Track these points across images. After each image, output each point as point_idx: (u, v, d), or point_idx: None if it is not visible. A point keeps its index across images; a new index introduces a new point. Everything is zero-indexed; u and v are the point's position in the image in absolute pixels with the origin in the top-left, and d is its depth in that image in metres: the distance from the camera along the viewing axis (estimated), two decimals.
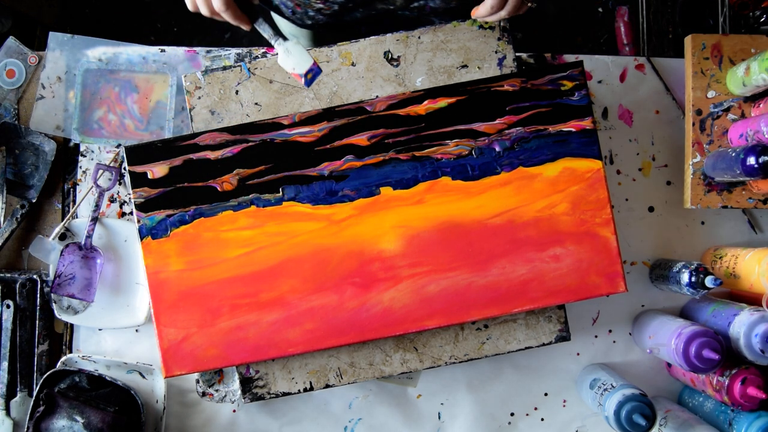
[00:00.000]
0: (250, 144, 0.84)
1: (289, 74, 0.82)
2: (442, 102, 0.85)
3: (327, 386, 0.87)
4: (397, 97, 0.85)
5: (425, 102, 0.85)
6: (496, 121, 0.85)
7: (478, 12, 0.81)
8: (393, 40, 0.89)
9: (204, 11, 0.75)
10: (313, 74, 0.82)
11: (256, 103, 0.88)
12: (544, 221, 0.84)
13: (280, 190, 0.84)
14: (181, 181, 0.84)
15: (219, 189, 0.84)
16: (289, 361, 0.87)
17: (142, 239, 0.83)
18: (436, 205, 0.84)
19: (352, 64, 0.89)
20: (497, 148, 0.84)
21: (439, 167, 0.85)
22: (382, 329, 0.84)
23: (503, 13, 0.79)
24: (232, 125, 0.85)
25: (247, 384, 0.87)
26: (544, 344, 0.88)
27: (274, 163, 0.84)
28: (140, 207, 0.84)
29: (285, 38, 0.81)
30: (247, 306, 0.84)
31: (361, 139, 0.84)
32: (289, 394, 0.87)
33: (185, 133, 0.98)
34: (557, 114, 0.85)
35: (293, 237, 0.84)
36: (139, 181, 0.84)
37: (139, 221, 0.84)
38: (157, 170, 0.84)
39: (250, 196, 0.84)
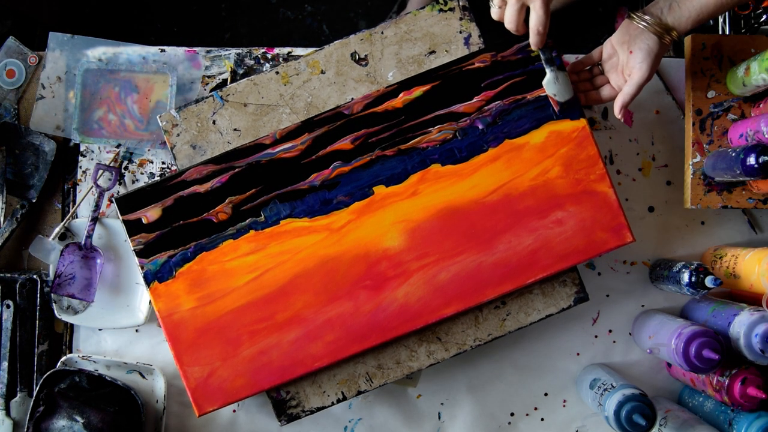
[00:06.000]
0: (236, 170, 0.84)
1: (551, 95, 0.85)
2: (418, 91, 0.85)
3: (359, 393, 0.87)
4: (372, 95, 0.85)
5: (401, 95, 0.85)
6: (474, 100, 0.85)
7: None
8: (357, 41, 0.89)
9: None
10: (568, 106, 0.84)
11: (234, 129, 0.88)
12: (540, 188, 0.84)
13: (261, 213, 0.84)
14: (176, 220, 0.84)
15: (215, 220, 0.84)
16: (318, 376, 0.87)
17: (148, 285, 0.84)
18: (431, 194, 0.84)
19: (322, 72, 0.89)
20: (480, 126, 0.85)
21: (426, 156, 0.85)
22: (402, 326, 0.84)
23: None
24: (215, 155, 0.85)
25: (280, 407, 0.87)
26: (564, 309, 0.88)
27: (263, 184, 0.84)
28: (141, 253, 0.84)
29: (559, 68, 0.84)
30: (266, 330, 0.84)
31: (344, 143, 0.85)
32: (323, 408, 0.87)
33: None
34: (532, 80, 0.85)
35: (297, 253, 0.84)
36: (134, 228, 0.84)
37: (142, 268, 0.84)
38: (150, 214, 0.84)
39: (247, 221, 0.84)
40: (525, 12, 0.78)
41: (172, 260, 0.84)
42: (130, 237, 0.84)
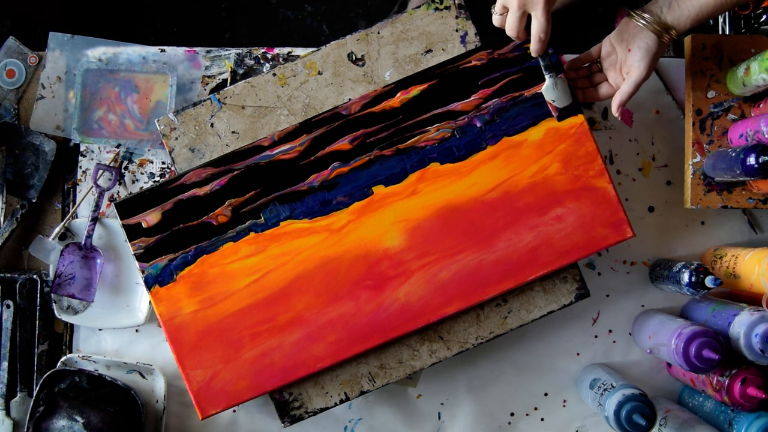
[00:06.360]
0: (235, 173, 0.84)
1: (552, 100, 0.85)
2: (415, 90, 0.85)
3: (362, 393, 0.87)
4: (370, 95, 0.85)
5: (398, 94, 0.85)
6: (472, 98, 0.85)
7: None
8: (353, 41, 0.89)
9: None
10: (567, 112, 0.85)
11: (233, 132, 0.89)
12: (539, 185, 0.85)
13: (261, 215, 0.84)
14: (176, 223, 0.84)
15: (215, 223, 0.84)
16: (320, 377, 0.87)
17: (149, 289, 0.83)
18: (431, 193, 0.84)
19: (319, 73, 0.89)
20: (478, 124, 0.85)
21: (425, 155, 0.85)
22: (403, 325, 0.84)
23: None
24: (214, 158, 0.85)
25: (283, 408, 0.87)
26: (565, 305, 0.88)
27: (263, 186, 0.84)
28: (141, 257, 0.84)
29: (558, 73, 0.84)
30: (267, 331, 0.84)
31: (343, 144, 0.85)
32: (326, 409, 0.87)
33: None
34: (529, 78, 0.86)
35: (297, 254, 0.84)
36: (134, 232, 0.84)
37: (143, 272, 0.84)
38: (150, 218, 0.84)
39: (247, 223, 0.84)
40: (526, 19, 0.78)
41: (172, 264, 0.84)
42: (130, 241, 0.84)
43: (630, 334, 1.00)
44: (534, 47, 0.80)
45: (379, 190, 0.84)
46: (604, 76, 0.87)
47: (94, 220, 0.96)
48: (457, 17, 0.90)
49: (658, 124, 1.01)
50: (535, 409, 1.00)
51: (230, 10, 1.65)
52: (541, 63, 0.84)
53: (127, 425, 0.92)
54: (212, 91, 0.99)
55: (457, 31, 0.90)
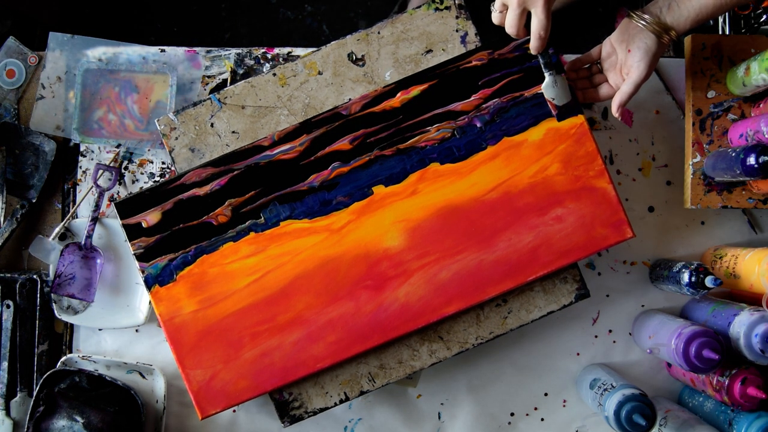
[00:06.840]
0: (235, 173, 0.84)
1: (551, 98, 0.85)
2: (415, 90, 0.85)
3: (362, 393, 0.87)
4: (370, 95, 0.85)
5: (398, 94, 0.85)
6: (472, 98, 0.85)
7: None
8: (354, 41, 0.89)
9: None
10: (566, 110, 0.85)
11: (233, 132, 0.89)
12: (539, 185, 0.85)
13: (261, 215, 0.84)
14: (176, 223, 0.84)
15: (215, 223, 0.84)
16: (320, 377, 0.87)
17: (149, 289, 0.83)
18: (431, 193, 0.84)
19: (319, 73, 0.89)
20: (478, 124, 0.85)
21: (425, 155, 0.85)
22: (403, 325, 0.84)
23: None
24: (214, 158, 0.85)
25: (283, 408, 0.87)
26: (565, 306, 0.88)
27: (263, 186, 0.84)
28: (141, 257, 0.84)
29: (557, 71, 0.84)
30: (267, 331, 0.84)
31: (343, 144, 0.85)
32: (326, 409, 0.87)
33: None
34: (529, 78, 0.86)
35: (297, 254, 0.84)
36: (134, 232, 0.84)
37: (143, 272, 0.84)
38: (150, 218, 0.84)
39: (247, 223, 0.84)
40: (526, 16, 0.78)
41: (172, 264, 0.84)
42: (130, 241, 0.84)
43: (630, 334, 1.00)
44: (534, 45, 0.80)
45: (379, 190, 0.84)
46: (604, 77, 0.87)
47: (94, 220, 0.96)
48: (457, 17, 0.90)
49: (658, 124, 1.01)
50: (535, 409, 1.00)
51: (230, 10, 1.65)
52: (541, 61, 0.84)
53: (127, 425, 0.92)
54: (212, 91, 0.99)
55: (457, 31, 0.90)
